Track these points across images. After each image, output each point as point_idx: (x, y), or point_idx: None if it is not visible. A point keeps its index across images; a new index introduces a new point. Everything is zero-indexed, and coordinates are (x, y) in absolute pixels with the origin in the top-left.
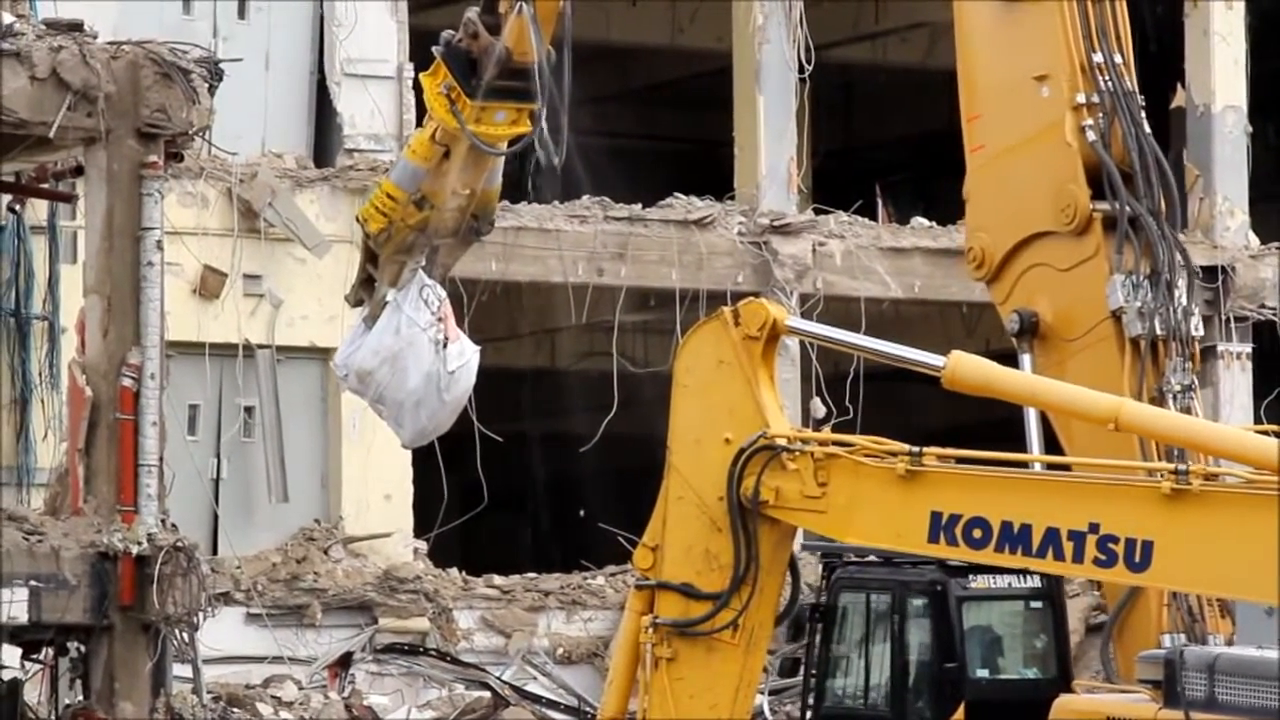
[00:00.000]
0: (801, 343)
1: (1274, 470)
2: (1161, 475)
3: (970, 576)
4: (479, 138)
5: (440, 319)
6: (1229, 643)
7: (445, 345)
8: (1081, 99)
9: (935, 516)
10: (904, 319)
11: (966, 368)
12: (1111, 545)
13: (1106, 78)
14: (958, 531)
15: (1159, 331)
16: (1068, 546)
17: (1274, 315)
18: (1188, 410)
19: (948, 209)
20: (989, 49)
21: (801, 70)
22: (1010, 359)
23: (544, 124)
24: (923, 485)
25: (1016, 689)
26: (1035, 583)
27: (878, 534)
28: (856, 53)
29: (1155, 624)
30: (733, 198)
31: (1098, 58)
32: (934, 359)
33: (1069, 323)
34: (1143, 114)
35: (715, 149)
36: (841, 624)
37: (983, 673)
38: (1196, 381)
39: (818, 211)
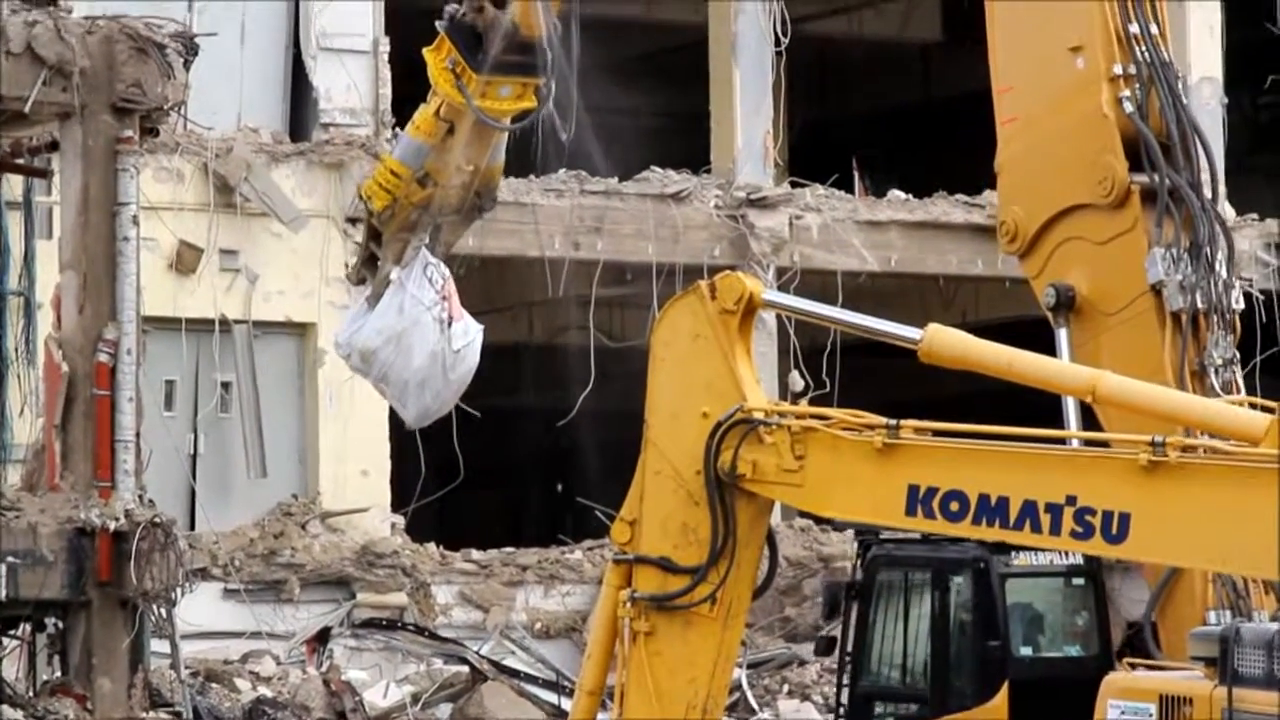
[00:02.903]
0: (778, 316)
1: (1254, 442)
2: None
3: (1012, 553)
4: (485, 113)
5: (444, 297)
6: (1274, 618)
7: (450, 324)
8: (1118, 70)
9: (913, 489)
10: (881, 292)
11: (943, 341)
12: (1089, 518)
13: (1143, 48)
14: (935, 504)
15: (1200, 305)
16: (1045, 519)
17: (1251, 285)
18: (1228, 385)
19: (924, 182)
20: (1021, 20)
21: (778, 43)
22: (984, 332)
23: (552, 98)
24: (900, 458)
25: (1060, 667)
26: (1076, 559)
27: (855, 507)
28: (832, 26)
29: (1200, 600)
30: (709, 171)
31: (1133, 28)
32: (911, 332)
33: (1106, 297)
34: (1180, 85)
35: (691, 122)
36: (879, 602)
37: (1026, 651)
38: (1238, 355)
39: (794, 185)
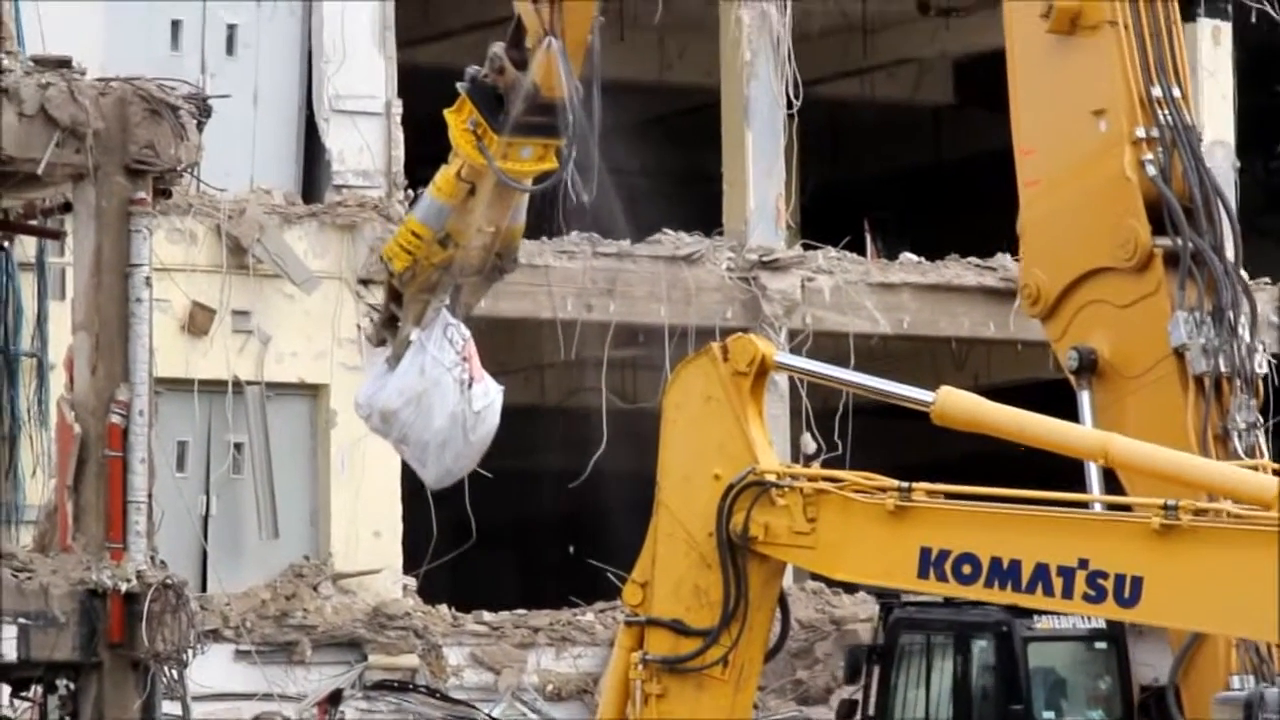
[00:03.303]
0: (790, 378)
1: (1266, 506)
2: (1151, 511)
3: (1035, 617)
4: (506, 174)
5: (465, 358)
6: None
7: (470, 385)
8: (1141, 133)
9: (924, 552)
10: (893, 354)
11: (955, 403)
12: (1101, 581)
13: (1165, 111)
14: (947, 567)
15: (1223, 369)
16: (1057, 582)
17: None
18: (1252, 449)
19: (936, 244)
20: (1044, 83)
21: (790, 106)
22: (996, 395)
23: (573, 160)
24: (912, 521)
25: None
26: (1099, 623)
27: (867, 570)
28: (844, 88)
29: (1224, 665)
30: (721, 233)
31: (1156, 91)
32: (923, 394)
33: (1128, 360)
34: (1202, 148)
35: (703, 185)
36: (900, 665)
37: (1048, 715)
38: (1261, 419)
39: (806, 247)
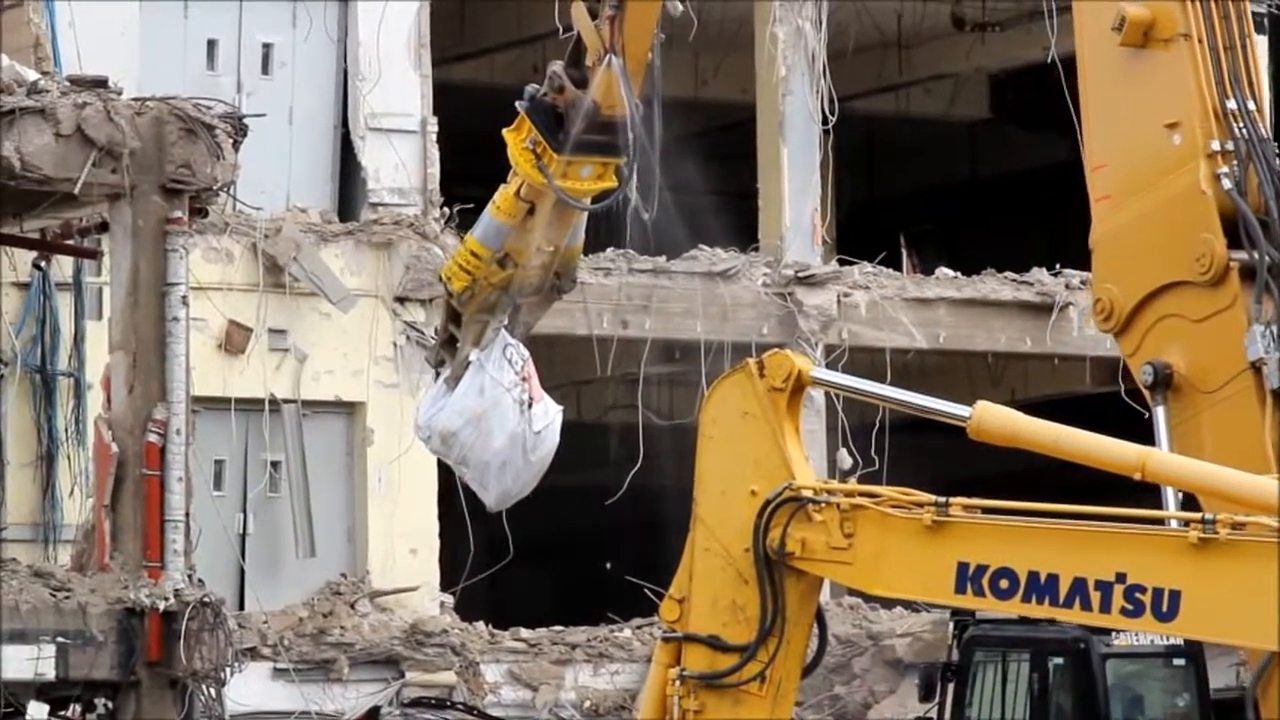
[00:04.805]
0: (827, 394)
1: None
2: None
3: (1112, 634)
4: (566, 193)
5: (524, 378)
6: None
7: (530, 405)
8: (1216, 146)
9: (962, 567)
10: (929, 369)
11: (992, 418)
12: (1139, 595)
13: (1240, 124)
14: (985, 582)
15: None
16: (1095, 596)
17: None
18: None
19: (972, 259)
20: (1116, 97)
21: (825, 122)
22: (1032, 409)
23: (635, 178)
24: (949, 536)
25: None
26: (1176, 641)
27: (905, 585)
28: (880, 104)
29: None
30: (757, 249)
31: (1231, 104)
32: (959, 409)
33: (1204, 375)
34: None
35: (739, 201)
36: (975, 683)
37: None
38: None
39: (842, 263)
